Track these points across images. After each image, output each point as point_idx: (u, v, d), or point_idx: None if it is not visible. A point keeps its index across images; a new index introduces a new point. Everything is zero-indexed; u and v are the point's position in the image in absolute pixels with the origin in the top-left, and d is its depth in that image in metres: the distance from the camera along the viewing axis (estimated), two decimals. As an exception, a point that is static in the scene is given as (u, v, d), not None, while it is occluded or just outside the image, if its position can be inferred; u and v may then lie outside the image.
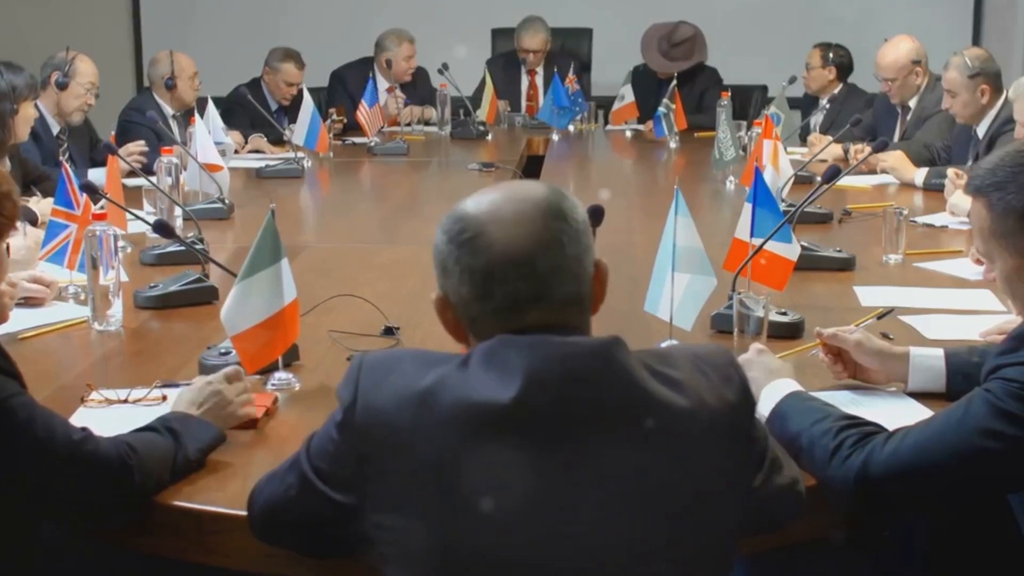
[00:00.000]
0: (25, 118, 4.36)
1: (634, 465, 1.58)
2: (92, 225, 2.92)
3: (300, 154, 5.72)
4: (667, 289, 2.72)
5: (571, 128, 7.10)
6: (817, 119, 6.69)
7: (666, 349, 1.73)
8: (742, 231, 3.06)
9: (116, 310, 2.94)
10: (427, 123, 7.25)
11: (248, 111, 6.23)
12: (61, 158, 5.15)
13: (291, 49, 6.92)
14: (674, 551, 1.60)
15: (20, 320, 2.94)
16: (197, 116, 4.72)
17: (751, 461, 1.71)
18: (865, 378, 2.50)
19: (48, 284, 3.14)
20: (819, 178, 5.03)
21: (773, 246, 3.02)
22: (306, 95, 5.82)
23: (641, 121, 7.03)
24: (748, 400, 1.69)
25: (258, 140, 6.17)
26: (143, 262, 3.59)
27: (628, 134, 7.08)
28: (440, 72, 7.02)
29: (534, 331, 1.62)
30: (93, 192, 3.08)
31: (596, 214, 2.31)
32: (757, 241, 2.99)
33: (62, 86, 5.23)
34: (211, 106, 5.20)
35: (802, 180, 4.96)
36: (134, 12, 9.14)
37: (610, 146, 6.98)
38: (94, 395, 2.41)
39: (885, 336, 2.85)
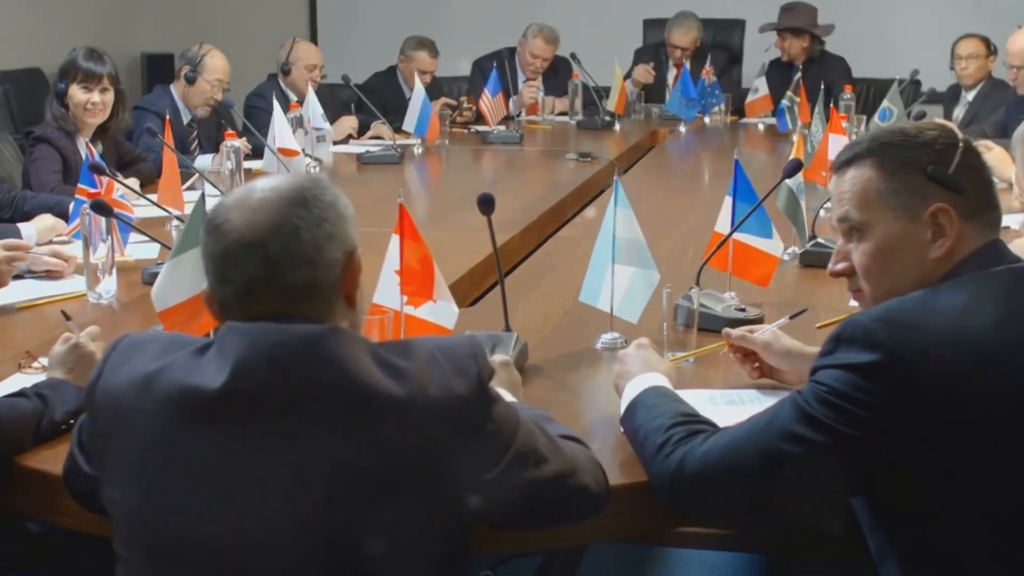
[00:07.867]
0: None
1: (334, 451, 1.59)
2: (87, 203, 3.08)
3: (413, 140, 5.88)
4: (607, 281, 2.70)
5: (707, 120, 7.04)
6: (959, 113, 6.44)
7: (409, 340, 1.72)
8: (721, 225, 3.01)
9: (109, 285, 3.10)
10: (561, 113, 7.29)
11: (381, 97, 6.38)
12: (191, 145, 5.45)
13: (425, 38, 7.08)
14: (379, 535, 1.60)
15: (27, 290, 3.15)
16: (277, 105, 4.88)
17: (481, 454, 1.66)
18: (778, 378, 2.42)
19: (67, 259, 3.32)
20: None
21: (751, 240, 2.97)
22: (417, 84, 5.94)
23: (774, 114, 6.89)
24: (481, 393, 1.67)
25: (380, 127, 6.29)
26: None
27: (760, 127, 6.96)
28: (572, 61, 7.05)
29: (264, 319, 1.64)
30: (101, 172, 3.25)
31: (485, 202, 2.34)
32: (737, 236, 2.95)
33: (190, 80, 5.48)
34: (311, 94, 5.37)
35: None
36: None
37: (734, 139, 6.84)
38: (35, 363, 2.56)
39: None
